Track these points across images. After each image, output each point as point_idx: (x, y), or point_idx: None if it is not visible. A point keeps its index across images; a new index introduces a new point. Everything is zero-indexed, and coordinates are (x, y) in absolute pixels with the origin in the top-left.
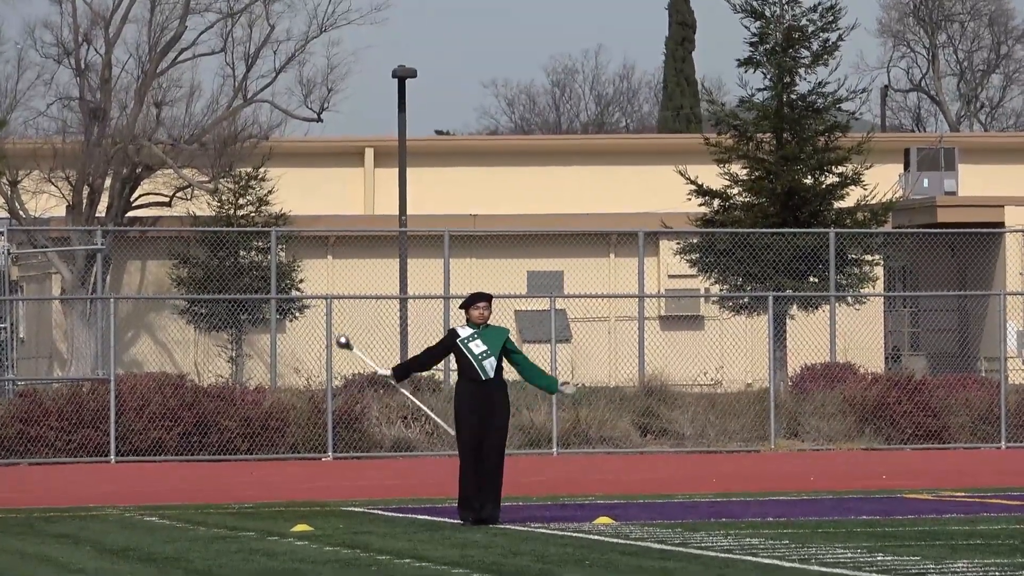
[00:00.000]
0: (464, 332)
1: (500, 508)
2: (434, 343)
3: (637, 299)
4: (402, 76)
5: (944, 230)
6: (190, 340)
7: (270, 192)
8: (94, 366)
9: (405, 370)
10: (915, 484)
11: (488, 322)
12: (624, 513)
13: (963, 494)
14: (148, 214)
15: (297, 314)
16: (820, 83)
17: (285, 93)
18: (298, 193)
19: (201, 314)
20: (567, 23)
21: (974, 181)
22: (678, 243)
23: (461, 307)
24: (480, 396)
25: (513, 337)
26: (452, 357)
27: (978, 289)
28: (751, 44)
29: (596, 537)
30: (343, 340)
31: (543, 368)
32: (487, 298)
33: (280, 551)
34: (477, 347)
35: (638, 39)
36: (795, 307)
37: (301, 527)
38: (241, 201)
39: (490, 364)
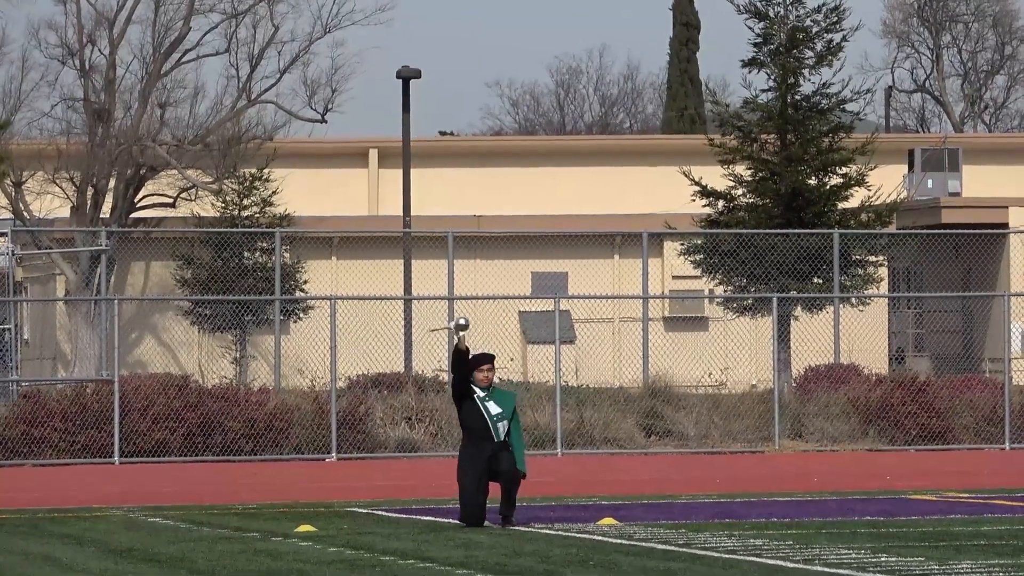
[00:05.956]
0: (479, 391)
1: (515, 509)
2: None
3: (641, 300)
4: (406, 77)
5: (948, 231)
6: (194, 341)
7: (274, 193)
8: (98, 367)
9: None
10: (919, 485)
11: (492, 381)
12: (628, 514)
13: (967, 495)
14: (152, 215)
15: (301, 315)
16: (824, 84)
17: (289, 94)
18: (302, 194)
19: (205, 315)
20: (571, 24)
21: (978, 182)
22: (682, 244)
23: (464, 367)
24: (488, 454)
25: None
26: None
27: (982, 290)
28: (755, 45)
29: (600, 538)
30: (462, 322)
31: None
32: (490, 359)
33: (284, 552)
34: (493, 408)
35: (642, 40)
36: (799, 308)
37: (305, 528)
38: (245, 202)
39: (503, 427)
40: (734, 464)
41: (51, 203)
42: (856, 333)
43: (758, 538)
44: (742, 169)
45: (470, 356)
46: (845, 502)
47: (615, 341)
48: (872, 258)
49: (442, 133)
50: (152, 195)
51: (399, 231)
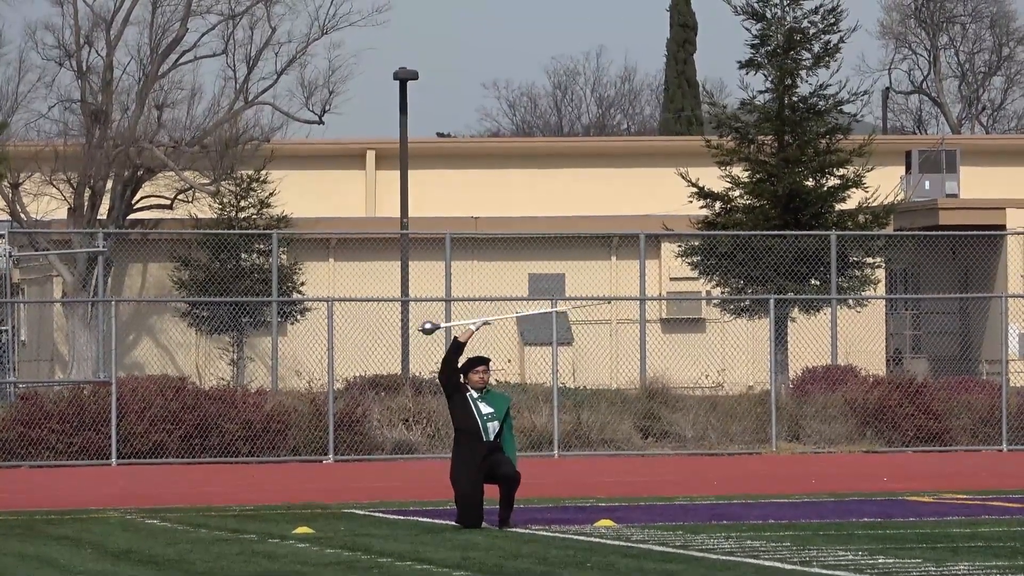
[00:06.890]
0: (472, 391)
1: (512, 511)
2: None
3: (638, 302)
4: (403, 78)
5: (946, 232)
6: (191, 343)
7: (271, 194)
8: (95, 369)
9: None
10: (916, 486)
11: (488, 383)
12: (625, 515)
13: (964, 496)
14: (149, 216)
15: (298, 317)
16: (821, 85)
17: (286, 95)
18: (299, 195)
19: (202, 317)
20: (568, 25)
21: (976, 183)
22: (679, 246)
23: (460, 370)
24: (481, 454)
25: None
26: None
27: (980, 291)
28: (752, 46)
29: (597, 539)
30: (428, 326)
31: (517, 443)
32: (485, 361)
33: (281, 553)
34: (485, 407)
35: (639, 41)
36: (796, 310)
37: (302, 529)
38: (242, 203)
39: (493, 427)
40: (731, 465)
41: (48, 205)
42: (853, 335)
43: (755, 539)
44: (739, 171)
45: (466, 359)
46: (842, 504)
47: (612, 343)
48: (869, 260)
49: (439, 135)
50: (149, 197)
51: (396, 233)
